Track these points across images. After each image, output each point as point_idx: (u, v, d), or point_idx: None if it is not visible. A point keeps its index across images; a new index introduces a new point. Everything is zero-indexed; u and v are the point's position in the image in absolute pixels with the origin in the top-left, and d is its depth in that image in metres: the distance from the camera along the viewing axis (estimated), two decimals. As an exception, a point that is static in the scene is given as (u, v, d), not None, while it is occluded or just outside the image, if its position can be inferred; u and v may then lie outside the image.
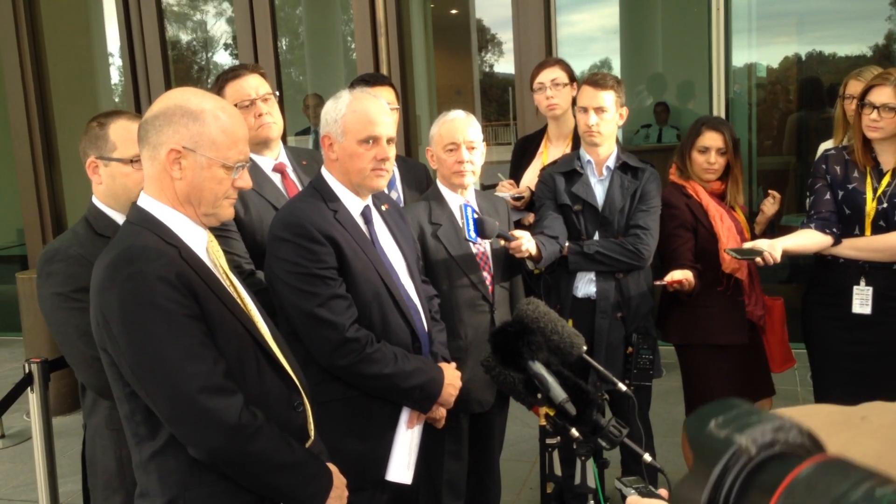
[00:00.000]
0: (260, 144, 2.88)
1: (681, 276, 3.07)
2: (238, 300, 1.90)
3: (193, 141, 1.80)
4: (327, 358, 2.35)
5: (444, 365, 2.58)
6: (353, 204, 2.49)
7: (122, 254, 1.74)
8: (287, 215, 2.42)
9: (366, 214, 2.52)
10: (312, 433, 1.99)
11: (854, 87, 3.69)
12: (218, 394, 1.73)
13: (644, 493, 1.78)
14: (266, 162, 2.91)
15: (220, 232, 2.66)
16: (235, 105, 2.79)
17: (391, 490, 2.49)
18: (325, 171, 2.52)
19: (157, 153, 1.82)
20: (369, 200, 2.54)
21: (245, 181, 1.89)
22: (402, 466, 2.47)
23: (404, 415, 2.49)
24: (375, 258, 2.45)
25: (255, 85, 2.86)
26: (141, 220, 1.84)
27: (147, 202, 1.86)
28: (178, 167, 1.81)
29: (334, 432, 2.40)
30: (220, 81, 2.90)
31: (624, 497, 1.73)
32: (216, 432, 1.73)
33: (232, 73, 2.90)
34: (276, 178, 2.92)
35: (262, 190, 2.82)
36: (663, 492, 1.72)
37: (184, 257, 1.79)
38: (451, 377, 2.56)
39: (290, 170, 2.97)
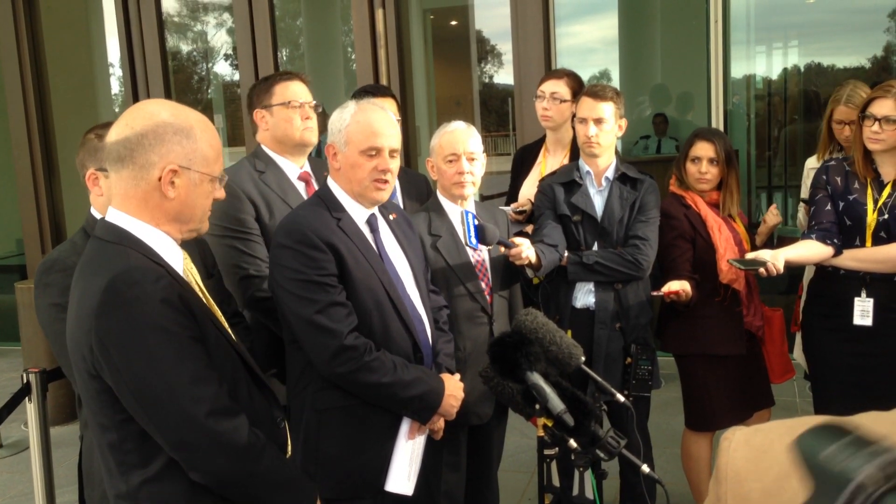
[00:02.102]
0: (297, 147, 2.94)
1: (678, 286, 3.06)
2: (220, 319, 1.87)
3: (188, 158, 1.74)
4: (326, 365, 2.34)
5: (445, 376, 2.56)
6: (358, 212, 2.50)
7: (122, 276, 1.65)
8: (289, 223, 2.44)
9: (371, 223, 2.52)
10: (290, 449, 1.98)
11: (842, 110, 3.68)
12: (226, 416, 1.70)
13: None
14: (293, 169, 2.95)
15: (243, 234, 2.73)
16: (288, 103, 2.90)
17: (390, 500, 2.47)
18: (330, 181, 2.53)
19: (146, 173, 1.73)
20: (375, 209, 2.55)
21: (220, 193, 1.85)
22: (402, 477, 2.45)
23: (404, 425, 2.48)
24: (378, 266, 2.45)
25: (303, 91, 2.96)
26: (120, 238, 1.74)
27: (122, 219, 1.76)
28: (172, 186, 1.73)
29: (333, 440, 2.40)
30: (271, 80, 2.99)
31: None
32: (227, 454, 1.70)
33: (287, 75, 3.00)
34: (301, 187, 2.96)
35: (286, 196, 2.86)
36: None
37: (174, 277, 1.73)
38: (453, 388, 2.54)
39: (313, 180, 3.00)
